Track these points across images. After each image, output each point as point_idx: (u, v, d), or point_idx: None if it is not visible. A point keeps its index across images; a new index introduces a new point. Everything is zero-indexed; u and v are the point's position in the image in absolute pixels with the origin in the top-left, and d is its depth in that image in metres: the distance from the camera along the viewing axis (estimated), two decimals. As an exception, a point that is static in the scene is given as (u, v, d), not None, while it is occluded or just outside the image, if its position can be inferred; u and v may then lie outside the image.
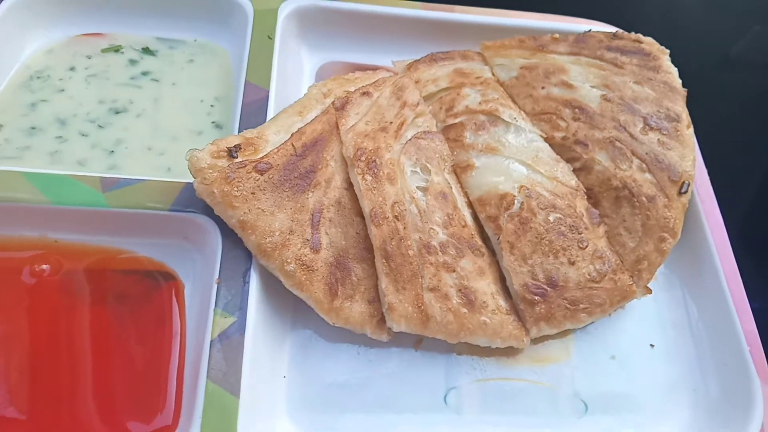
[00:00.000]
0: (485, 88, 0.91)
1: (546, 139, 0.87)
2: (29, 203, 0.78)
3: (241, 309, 0.74)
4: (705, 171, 0.96)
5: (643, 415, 0.81)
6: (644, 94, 0.89)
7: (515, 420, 0.79)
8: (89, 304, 0.78)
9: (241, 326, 0.73)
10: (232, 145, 0.77)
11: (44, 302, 0.77)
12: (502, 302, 0.79)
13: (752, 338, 0.82)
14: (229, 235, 0.77)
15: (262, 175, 0.76)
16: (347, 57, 1.08)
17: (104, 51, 1.01)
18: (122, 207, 0.79)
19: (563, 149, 0.87)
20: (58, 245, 0.81)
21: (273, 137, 0.80)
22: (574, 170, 0.86)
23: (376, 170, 0.79)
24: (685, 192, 0.84)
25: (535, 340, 0.83)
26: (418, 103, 0.88)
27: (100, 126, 0.93)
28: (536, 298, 0.79)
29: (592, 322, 0.84)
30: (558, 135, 0.88)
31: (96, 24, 1.03)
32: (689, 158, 0.86)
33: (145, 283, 0.80)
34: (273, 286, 0.78)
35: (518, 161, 0.84)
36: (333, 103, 0.85)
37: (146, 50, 1.02)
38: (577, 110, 0.88)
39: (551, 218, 0.81)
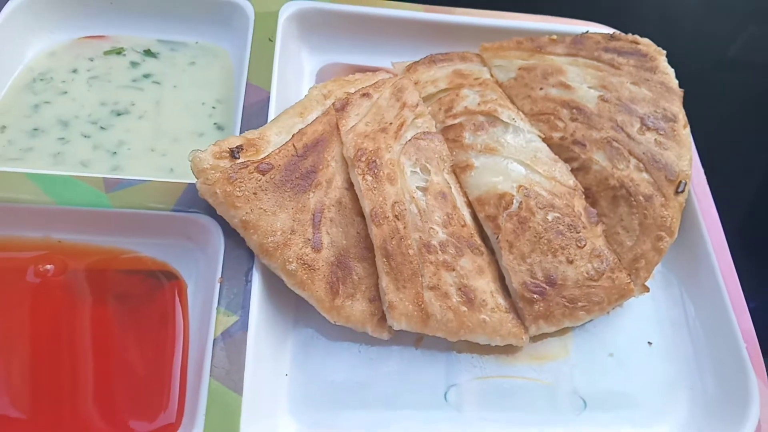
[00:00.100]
0: (484, 89, 0.92)
1: (544, 140, 0.88)
2: (33, 204, 0.79)
3: (243, 308, 0.75)
4: (702, 170, 0.97)
5: (641, 412, 0.82)
6: (641, 94, 0.90)
7: (515, 417, 0.79)
8: (93, 303, 0.79)
9: (243, 325, 0.74)
10: (234, 146, 0.77)
11: (48, 302, 0.78)
12: (501, 300, 0.80)
13: (749, 336, 0.83)
14: (232, 234, 0.78)
15: (263, 175, 0.77)
16: (347, 59, 1.08)
17: (106, 53, 1.02)
18: (125, 207, 0.80)
19: (561, 149, 0.88)
20: (62, 245, 0.81)
21: (274, 138, 0.81)
22: (572, 170, 0.87)
23: (376, 170, 0.80)
24: (682, 191, 0.85)
25: (534, 338, 0.83)
26: (417, 104, 0.89)
27: (102, 127, 0.93)
28: (535, 296, 0.79)
29: (591, 320, 0.85)
30: (556, 135, 0.89)
31: (98, 26, 1.04)
32: (686, 158, 0.87)
33: (148, 283, 0.81)
34: (275, 285, 0.78)
35: (517, 161, 0.85)
36: (333, 104, 0.86)
37: (148, 52, 1.03)
38: (574, 111, 0.89)
39: (550, 217, 0.81)
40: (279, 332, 0.80)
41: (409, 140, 0.84)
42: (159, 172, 0.89)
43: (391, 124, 0.85)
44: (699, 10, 1.46)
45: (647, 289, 0.85)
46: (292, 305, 0.82)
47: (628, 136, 0.87)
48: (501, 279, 0.82)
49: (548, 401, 0.81)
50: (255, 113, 0.89)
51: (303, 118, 0.85)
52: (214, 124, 0.96)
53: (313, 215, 0.78)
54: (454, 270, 0.78)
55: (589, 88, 0.91)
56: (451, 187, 0.84)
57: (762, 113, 1.31)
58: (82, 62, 1.00)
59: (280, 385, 0.78)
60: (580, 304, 0.80)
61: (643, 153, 0.86)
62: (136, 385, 0.75)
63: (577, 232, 0.82)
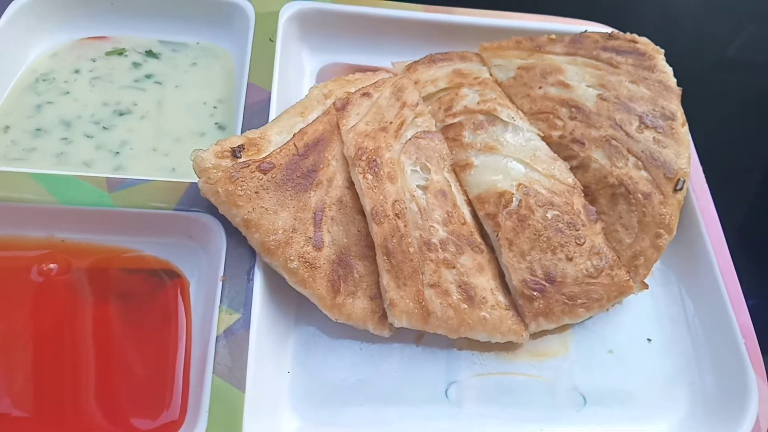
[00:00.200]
0: (483, 89, 0.93)
1: (543, 138, 0.89)
2: (36, 203, 0.79)
3: (245, 306, 0.75)
4: (700, 168, 0.97)
5: (640, 408, 0.82)
6: (639, 93, 0.91)
7: (515, 413, 0.80)
8: (96, 302, 0.79)
9: (246, 322, 0.74)
10: (236, 146, 0.78)
11: (52, 301, 0.79)
12: (501, 298, 0.81)
13: (747, 331, 0.83)
14: (234, 233, 0.79)
15: (265, 174, 0.77)
16: (347, 59, 1.09)
17: (108, 54, 1.03)
18: (128, 207, 0.80)
19: (560, 148, 0.89)
20: (65, 245, 0.82)
21: (275, 137, 0.81)
22: (572, 168, 0.88)
23: (376, 169, 0.80)
24: (681, 189, 0.86)
25: (534, 335, 0.84)
26: (417, 104, 0.89)
27: (104, 128, 0.94)
28: (535, 293, 0.80)
29: (590, 317, 0.85)
30: (555, 134, 0.89)
31: (100, 27, 1.05)
32: (684, 156, 0.87)
33: (150, 282, 0.81)
34: (277, 284, 0.79)
35: (516, 160, 0.85)
36: (334, 103, 0.86)
37: (149, 53, 1.04)
38: (573, 109, 0.90)
39: (549, 215, 0.82)
40: (281, 330, 0.80)
41: (410, 139, 0.85)
42: (161, 172, 0.90)
43: (391, 123, 0.85)
44: (698, 10, 1.46)
45: (646, 286, 0.86)
46: (293, 303, 0.83)
47: (627, 134, 0.87)
48: (501, 276, 0.82)
49: (548, 398, 0.82)
50: (256, 113, 0.90)
51: (304, 117, 0.85)
52: (216, 123, 0.97)
53: (315, 214, 0.78)
54: (454, 268, 0.79)
55: (588, 86, 0.92)
56: (451, 186, 0.84)
57: (761, 113, 1.31)
58: (85, 63, 1.01)
59: (282, 382, 0.78)
60: (579, 301, 0.81)
61: (642, 151, 0.86)
62: (139, 383, 0.75)
63: (577, 230, 0.82)
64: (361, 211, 0.80)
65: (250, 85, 0.93)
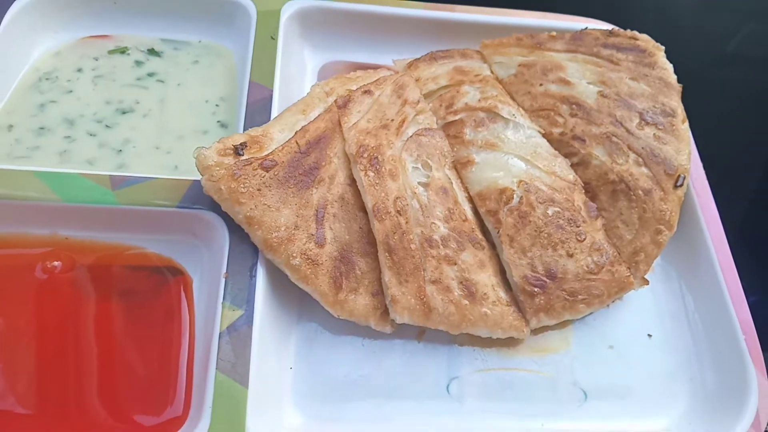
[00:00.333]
0: (484, 86, 0.93)
1: (544, 135, 0.89)
2: (40, 201, 0.80)
3: (248, 302, 0.76)
4: (701, 165, 0.97)
5: (641, 403, 0.83)
6: (640, 90, 0.91)
7: (516, 408, 0.80)
8: (99, 299, 0.80)
9: (248, 319, 0.75)
10: (238, 143, 0.78)
11: (56, 298, 0.79)
12: (502, 294, 0.81)
13: (747, 327, 0.84)
14: (236, 230, 0.79)
15: (267, 172, 0.77)
16: (349, 56, 1.09)
17: (111, 52, 1.03)
18: (131, 204, 0.81)
19: (561, 144, 0.89)
20: (69, 242, 0.82)
21: (277, 135, 0.82)
22: (572, 165, 0.88)
23: (378, 166, 0.80)
24: (681, 185, 0.86)
25: (535, 331, 0.84)
26: (418, 101, 0.90)
27: (107, 126, 0.94)
28: (536, 289, 0.80)
29: (591, 313, 0.85)
30: (556, 131, 0.89)
31: (102, 26, 1.05)
32: (684, 152, 0.88)
33: (154, 279, 0.82)
34: (279, 280, 0.79)
35: (517, 157, 0.85)
36: (335, 101, 0.86)
37: (152, 51, 1.04)
38: (574, 106, 0.90)
39: (550, 212, 0.82)
40: (283, 326, 0.81)
41: (411, 136, 0.85)
42: (164, 170, 0.90)
43: (392, 120, 0.86)
44: (699, 7, 1.46)
45: (647, 282, 0.86)
46: (296, 299, 0.83)
47: (627, 131, 0.87)
48: (502, 273, 0.83)
49: (549, 393, 0.82)
50: (258, 111, 0.90)
51: (305, 115, 0.85)
52: (218, 121, 0.97)
53: (316, 211, 0.79)
54: (455, 264, 0.79)
55: (589, 83, 0.92)
56: (452, 183, 0.84)
57: (762, 110, 1.31)
58: (87, 61, 1.01)
59: (285, 377, 0.79)
60: (580, 297, 0.81)
61: (642, 148, 0.87)
62: (142, 379, 0.76)
63: (577, 226, 0.82)
64: (363, 208, 0.80)
65: (252, 83, 0.93)
